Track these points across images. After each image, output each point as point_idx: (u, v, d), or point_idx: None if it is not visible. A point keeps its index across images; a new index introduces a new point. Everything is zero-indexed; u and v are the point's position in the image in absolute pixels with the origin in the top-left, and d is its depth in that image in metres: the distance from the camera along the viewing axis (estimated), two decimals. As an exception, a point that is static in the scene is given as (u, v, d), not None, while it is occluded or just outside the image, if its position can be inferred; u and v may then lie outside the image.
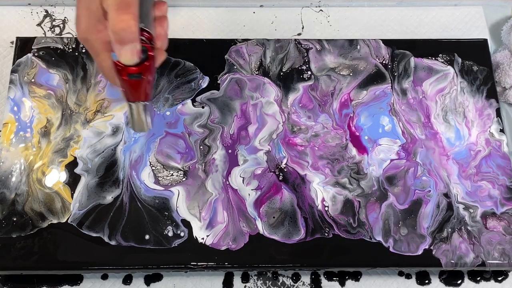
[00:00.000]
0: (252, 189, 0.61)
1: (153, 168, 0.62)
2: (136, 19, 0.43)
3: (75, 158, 0.62)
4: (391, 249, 0.59)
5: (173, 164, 0.62)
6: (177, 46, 0.68)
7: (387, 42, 0.69)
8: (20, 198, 0.60)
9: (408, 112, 0.66)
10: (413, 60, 0.69)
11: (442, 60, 0.69)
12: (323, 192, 0.61)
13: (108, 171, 0.61)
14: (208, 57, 0.68)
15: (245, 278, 0.62)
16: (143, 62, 0.46)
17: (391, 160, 0.63)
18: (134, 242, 0.58)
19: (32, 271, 0.59)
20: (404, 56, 0.69)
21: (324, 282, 0.62)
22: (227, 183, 0.61)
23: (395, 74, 0.68)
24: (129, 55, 0.44)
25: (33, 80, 0.65)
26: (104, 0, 0.44)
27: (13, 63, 0.66)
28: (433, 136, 0.65)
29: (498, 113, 0.67)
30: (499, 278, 0.63)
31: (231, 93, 0.66)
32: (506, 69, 0.68)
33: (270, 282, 0.62)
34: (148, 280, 0.62)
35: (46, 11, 0.75)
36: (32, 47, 0.67)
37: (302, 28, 0.76)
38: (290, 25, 0.76)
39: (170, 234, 0.59)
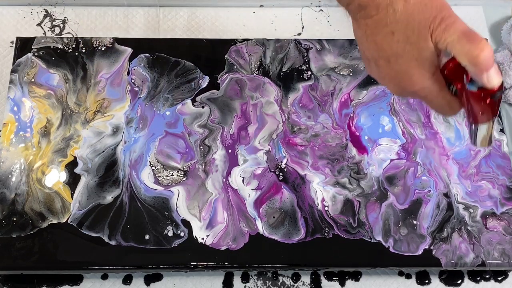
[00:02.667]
0: (252, 189, 0.61)
1: (153, 168, 0.62)
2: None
3: (75, 158, 0.62)
4: (391, 249, 0.59)
5: (173, 164, 0.62)
6: (177, 46, 0.68)
7: (387, 42, 0.69)
8: (20, 198, 0.60)
9: (408, 112, 0.66)
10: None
11: (442, 60, 0.69)
12: (323, 192, 0.61)
13: (108, 171, 0.61)
14: (208, 57, 0.68)
15: (245, 278, 0.62)
16: None
17: (391, 160, 0.63)
18: (134, 242, 0.58)
19: (32, 271, 0.59)
20: (404, 56, 0.69)
21: (324, 282, 0.62)
22: (227, 183, 0.61)
23: (395, 74, 0.68)
24: (496, 76, 0.43)
25: (33, 80, 0.65)
26: (441, 41, 0.42)
27: (13, 63, 0.66)
28: (433, 136, 0.65)
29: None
30: (499, 278, 0.63)
31: (231, 93, 0.66)
32: (506, 69, 0.68)
33: (270, 282, 0.62)
34: (148, 280, 0.62)
35: (46, 11, 0.75)
36: (32, 47, 0.67)
37: (302, 28, 0.76)
38: (290, 25, 0.76)
39: (170, 234, 0.59)
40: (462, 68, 0.44)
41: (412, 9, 0.43)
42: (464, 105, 0.47)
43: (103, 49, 0.67)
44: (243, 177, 0.62)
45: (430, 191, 0.62)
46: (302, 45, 0.69)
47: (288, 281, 0.62)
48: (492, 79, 0.43)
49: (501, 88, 0.44)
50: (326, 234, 0.59)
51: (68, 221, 0.59)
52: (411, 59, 0.44)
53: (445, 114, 0.49)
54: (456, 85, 0.45)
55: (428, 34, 0.42)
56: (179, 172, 0.62)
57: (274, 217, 0.60)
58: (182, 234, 0.59)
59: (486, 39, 0.47)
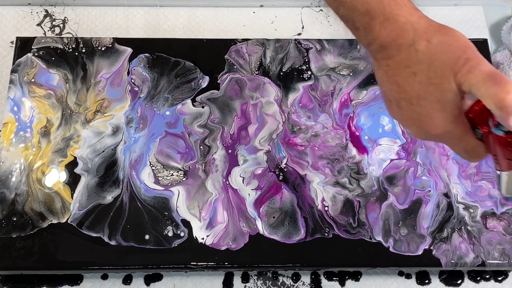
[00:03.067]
0: (252, 189, 0.61)
1: (153, 168, 0.62)
2: None
3: (75, 158, 0.62)
4: (391, 249, 0.59)
5: (173, 164, 0.62)
6: (177, 46, 0.68)
7: (387, 42, 0.69)
8: (20, 198, 0.60)
9: (408, 112, 0.66)
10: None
11: (442, 60, 0.69)
12: (323, 192, 0.61)
13: (108, 171, 0.61)
14: (208, 57, 0.68)
15: (245, 278, 0.62)
16: None
17: (391, 160, 0.63)
18: (134, 242, 0.58)
19: (32, 271, 0.59)
20: (404, 56, 0.69)
21: (324, 282, 0.62)
22: (227, 183, 0.61)
23: (395, 74, 0.68)
24: None
25: (33, 80, 0.65)
26: (466, 83, 0.41)
27: (13, 63, 0.66)
28: (433, 136, 0.65)
29: (498, 113, 0.66)
30: (499, 278, 0.63)
31: (231, 93, 0.66)
32: (506, 69, 0.68)
33: (270, 282, 0.62)
34: (148, 280, 0.62)
35: (46, 11, 0.75)
36: (32, 47, 0.67)
37: (302, 28, 0.76)
38: (290, 25, 0.76)
39: (170, 234, 0.59)
40: (487, 112, 0.42)
41: (435, 49, 0.42)
42: (490, 151, 0.45)
43: (103, 49, 0.67)
44: (243, 177, 0.62)
45: (430, 191, 0.62)
46: (302, 45, 0.69)
47: (288, 281, 0.62)
48: None
49: None
50: (326, 234, 0.59)
51: (68, 221, 0.59)
52: (434, 102, 0.42)
53: (470, 160, 0.47)
54: (482, 129, 0.44)
55: (451, 76, 0.41)
56: (179, 172, 0.62)
57: (274, 217, 0.60)
58: (182, 234, 0.59)
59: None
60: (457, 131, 0.44)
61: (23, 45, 0.67)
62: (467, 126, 0.44)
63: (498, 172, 0.46)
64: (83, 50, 0.67)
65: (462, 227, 0.60)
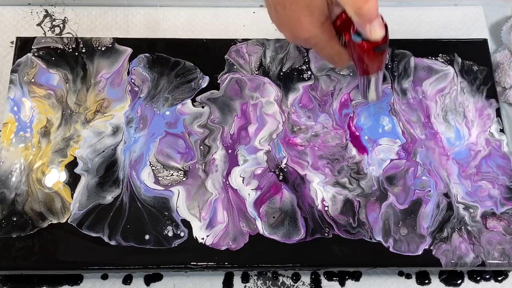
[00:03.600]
0: (252, 189, 0.61)
1: (153, 168, 0.62)
2: None
3: (75, 158, 0.62)
4: (391, 249, 0.59)
5: (173, 164, 0.62)
6: (177, 46, 0.68)
7: (387, 42, 0.69)
8: (20, 198, 0.60)
9: (408, 112, 0.66)
10: (413, 60, 0.69)
11: (442, 60, 0.69)
12: (323, 192, 0.61)
13: (108, 171, 0.61)
14: (208, 57, 0.68)
15: (245, 278, 0.62)
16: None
17: (391, 160, 0.63)
18: (134, 242, 0.58)
19: (32, 271, 0.59)
20: (404, 56, 0.69)
21: (324, 282, 0.62)
22: (227, 183, 0.61)
23: (395, 74, 0.68)
24: (378, 30, 0.45)
25: (33, 80, 0.65)
26: None
27: (13, 63, 0.66)
28: (433, 136, 0.65)
29: (498, 113, 0.67)
30: (499, 278, 0.63)
31: (231, 93, 0.66)
32: (506, 69, 0.68)
33: (270, 282, 0.62)
34: (148, 280, 0.62)
35: (46, 11, 0.75)
36: (32, 47, 0.67)
37: (302, 28, 0.76)
38: (290, 25, 0.76)
39: (170, 234, 0.59)
40: (351, 20, 0.46)
41: None
42: (352, 57, 0.49)
43: (103, 49, 0.67)
44: (243, 177, 0.62)
45: (430, 191, 0.62)
46: (302, 45, 0.69)
47: (288, 281, 0.62)
48: (375, 32, 0.45)
49: (385, 41, 0.47)
50: (326, 234, 0.59)
51: (68, 221, 0.59)
52: (303, 7, 0.46)
53: (335, 64, 0.52)
54: (345, 36, 0.47)
55: None
56: (179, 172, 0.62)
57: (274, 217, 0.60)
58: (182, 234, 0.59)
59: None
60: (323, 36, 0.48)
61: (23, 45, 0.67)
62: (332, 33, 0.48)
63: (360, 79, 0.51)
64: (83, 50, 0.67)
65: (462, 227, 0.60)
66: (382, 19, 0.47)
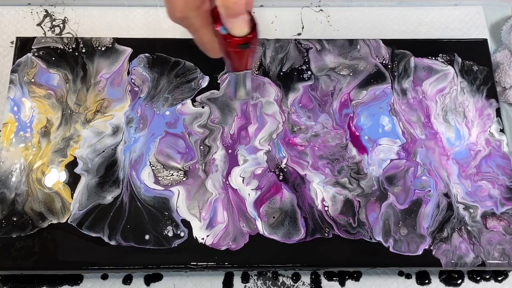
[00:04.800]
0: (252, 189, 0.61)
1: (153, 168, 0.62)
2: None
3: (75, 158, 0.62)
4: (391, 249, 0.59)
5: (173, 164, 0.62)
6: (177, 46, 0.68)
7: (387, 42, 0.69)
8: (20, 198, 0.60)
9: (408, 112, 0.66)
10: (413, 60, 0.69)
11: (442, 60, 0.69)
12: (323, 192, 0.61)
13: (108, 171, 0.61)
14: (208, 57, 0.68)
15: (245, 278, 0.62)
16: (250, 32, 0.47)
17: (391, 160, 0.63)
18: (134, 242, 0.58)
19: (32, 271, 0.59)
20: (404, 56, 0.69)
21: (324, 282, 0.62)
22: (227, 183, 0.61)
23: (395, 74, 0.68)
24: (241, 26, 0.45)
25: (33, 80, 0.65)
26: None
27: (13, 63, 0.66)
28: (433, 136, 0.65)
29: (498, 113, 0.67)
30: (499, 278, 0.63)
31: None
32: (506, 69, 0.68)
33: (270, 282, 0.62)
34: (148, 280, 0.62)
35: (46, 11, 0.75)
36: (32, 47, 0.67)
37: (302, 28, 0.76)
38: (290, 25, 0.76)
39: (170, 234, 0.59)
40: None
41: None
42: (221, 49, 0.48)
43: (103, 49, 0.67)
44: (243, 177, 0.62)
45: (430, 191, 0.62)
46: (302, 45, 0.69)
47: (288, 281, 0.62)
48: (235, 28, 0.45)
49: (249, 40, 0.46)
50: (326, 234, 0.59)
51: (68, 221, 0.59)
52: None
53: (207, 53, 0.51)
54: (216, 25, 0.47)
55: None
56: (179, 172, 0.62)
57: (274, 217, 0.60)
58: (182, 234, 0.59)
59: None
60: (196, 20, 0.47)
61: (23, 45, 0.67)
62: (207, 20, 0.47)
63: (229, 75, 0.51)
64: (83, 50, 0.67)
65: (462, 227, 0.60)
66: (253, 17, 0.46)
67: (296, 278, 0.62)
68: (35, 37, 0.68)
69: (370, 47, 0.69)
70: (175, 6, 0.47)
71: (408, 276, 0.63)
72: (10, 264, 0.58)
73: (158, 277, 0.62)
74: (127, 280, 0.62)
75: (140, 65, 0.67)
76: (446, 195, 0.62)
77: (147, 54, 0.67)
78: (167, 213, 0.60)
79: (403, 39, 0.71)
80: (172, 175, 0.62)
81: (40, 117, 0.64)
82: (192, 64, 0.67)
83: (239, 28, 0.45)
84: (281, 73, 0.67)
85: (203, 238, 0.59)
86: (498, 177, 0.63)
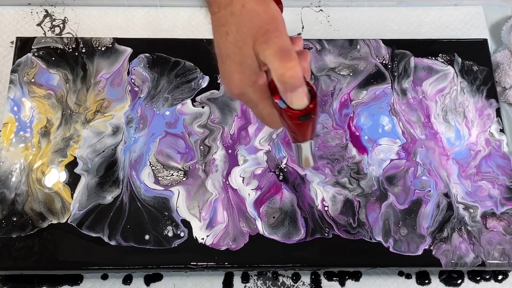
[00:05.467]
0: (252, 189, 0.61)
1: (153, 168, 0.62)
2: (299, 63, 0.42)
3: (75, 158, 0.62)
4: (391, 249, 0.59)
5: (173, 164, 0.62)
6: (177, 46, 0.68)
7: (387, 42, 0.69)
8: (20, 198, 0.60)
9: (408, 112, 0.66)
10: (413, 60, 0.69)
11: (442, 60, 0.69)
12: (323, 192, 0.61)
13: (108, 171, 0.61)
14: (208, 57, 0.68)
15: (245, 278, 0.62)
16: (310, 102, 0.45)
17: (391, 160, 0.63)
18: (134, 242, 0.58)
19: (32, 271, 0.59)
20: (404, 56, 0.69)
21: (324, 282, 0.62)
22: (227, 183, 0.61)
23: (395, 74, 0.68)
24: (301, 99, 0.43)
25: (33, 80, 0.65)
26: (261, 52, 0.43)
27: (13, 63, 0.66)
28: (433, 136, 0.65)
29: (498, 113, 0.67)
30: (499, 278, 0.63)
31: (231, 93, 0.66)
32: (506, 69, 0.68)
33: (270, 282, 0.62)
34: (148, 280, 0.62)
35: (46, 11, 0.75)
36: (32, 47, 0.67)
37: (302, 28, 0.76)
38: (290, 25, 0.76)
39: (170, 234, 0.59)
40: None
41: (246, 15, 0.44)
42: (281, 121, 0.47)
43: (103, 49, 0.67)
44: (243, 177, 0.62)
45: (430, 191, 0.62)
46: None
47: (288, 281, 0.62)
48: (295, 101, 0.43)
49: (310, 111, 0.44)
50: (326, 234, 0.59)
51: (68, 221, 0.59)
52: (236, 63, 0.45)
53: (268, 125, 0.50)
54: (275, 99, 0.45)
55: (251, 43, 0.43)
56: (179, 172, 0.62)
57: (274, 217, 0.60)
58: (182, 234, 0.59)
59: (308, 51, 0.49)
60: (254, 96, 0.46)
61: (23, 45, 0.67)
62: (265, 93, 0.46)
63: (293, 145, 0.49)
64: (83, 50, 0.67)
65: (462, 227, 0.60)
66: (312, 87, 0.44)
67: (296, 278, 0.62)
68: (35, 37, 0.68)
69: (370, 47, 0.69)
70: (232, 83, 0.46)
71: (408, 276, 0.63)
72: (10, 264, 0.58)
73: (158, 277, 0.62)
74: (127, 280, 0.62)
75: (140, 65, 0.67)
76: (446, 195, 0.62)
77: (147, 54, 0.67)
78: (167, 213, 0.60)
79: (403, 39, 0.71)
80: (172, 175, 0.62)
81: (40, 117, 0.64)
82: (192, 64, 0.67)
83: (299, 101, 0.43)
84: (281, 73, 0.67)
85: (203, 238, 0.59)
86: (498, 177, 0.63)
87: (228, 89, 0.47)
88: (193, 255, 0.58)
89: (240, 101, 0.48)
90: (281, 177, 0.62)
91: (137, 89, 0.66)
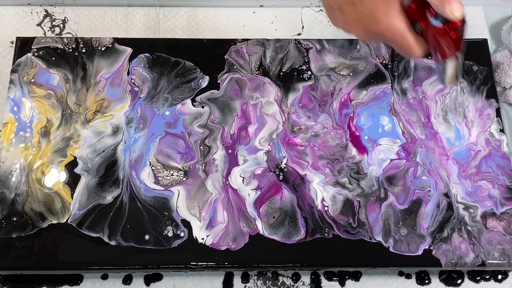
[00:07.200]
0: (252, 189, 0.61)
1: (153, 168, 0.62)
2: None
3: (75, 158, 0.62)
4: (391, 249, 0.59)
5: (173, 164, 0.62)
6: (177, 46, 0.68)
7: (387, 42, 0.69)
8: (20, 198, 0.60)
9: (408, 112, 0.66)
10: (413, 60, 0.69)
11: (442, 60, 0.69)
12: (323, 192, 0.61)
13: (108, 171, 0.61)
14: (208, 57, 0.68)
15: (245, 278, 0.62)
16: None
17: (391, 160, 0.63)
18: (134, 242, 0.58)
19: (32, 271, 0.59)
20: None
21: (324, 282, 0.62)
22: (227, 183, 0.61)
23: (395, 74, 0.68)
24: (459, 7, 0.44)
25: (33, 80, 0.65)
26: None
27: (13, 63, 0.66)
28: (433, 136, 0.65)
29: (498, 113, 0.67)
30: (499, 278, 0.63)
31: (231, 93, 0.66)
32: (506, 69, 0.68)
33: (270, 282, 0.62)
34: (148, 280, 0.62)
35: (46, 11, 0.75)
36: (32, 47, 0.67)
37: (302, 28, 0.76)
38: (290, 25, 0.76)
39: (170, 234, 0.59)
40: (425, 6, 0.45)
41: None
42: (430, 43, 0.48)
43: (103, 49, 0.67)
44: (243, 177, 0.62)
45: (430, 191, 0.62)
46: (302, 45, 0.69)
47: (288, 281, 0.62)
48: (455, 11, 0.44)
49: (464, 21, 0.46)
50: (326, 234, 0.59)
51: (68, 221, 0.59)
52: (383, 2, 0.45)
53: (413, 55, 0.50)
54: (421, 23, 0.46)
55: None
56: (179, 172, 0.62)
57: (274, 217, 0.60)
58: (182, 234, 0.59)
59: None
60: (400, 26, 0.46)
61: (23, 45, 0.67)
62: (408, 23, 0.46)
63: (440, 64, 0.50)
64: (83, 50, 0.67)
65: (462, 227, 0.60)
66: None
67: (296, 278, 0.62)
68: (35, 37, 0.68)
69: (370, 47, 0.69)
70: (376, 21, 0.46)
71: (408, 276, 0.63)
72: (10, 264, 0.58)
73: (158, 277, 0.62)
74: (127, 280, 0.62)
75: (140, 65, 0.67)
76: (446, 195, 0.62)
77: (147, 54, 0.67)
78: (167, 213, 0.60)
79: (403, 39, 0.71)
80: (172, 175, 0.62)
81: (40, 117, 0.64)
82: (192, 64, 0.67)
83: (457, 11, 0.44)
84: (281, 73, 0.67)
85: (203, 238, 0.59)
86: (498, 177, 0.63)
87: (367, 31, 0.46)
88: (193, 255, 0.58)
89: (380, 40, 0.48)
90: (281, 177, 0.62)
91: (137, 89, 0.66)
